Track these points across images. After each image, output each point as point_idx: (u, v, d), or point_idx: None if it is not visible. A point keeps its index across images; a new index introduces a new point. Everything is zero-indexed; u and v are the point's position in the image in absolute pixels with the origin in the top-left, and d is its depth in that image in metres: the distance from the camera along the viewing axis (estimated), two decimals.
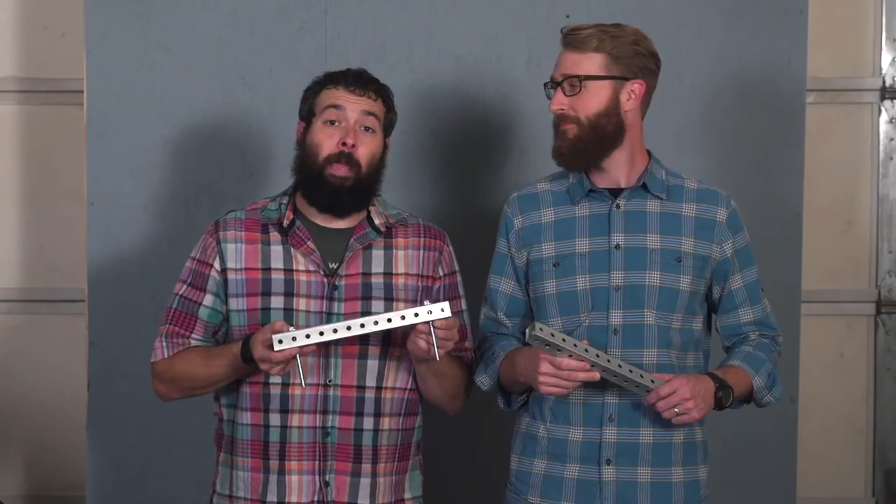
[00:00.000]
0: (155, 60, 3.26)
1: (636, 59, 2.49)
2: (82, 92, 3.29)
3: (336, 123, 2.52)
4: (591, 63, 2.46)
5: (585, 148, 2.47)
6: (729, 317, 2.57)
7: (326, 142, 2.51)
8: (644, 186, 2.51)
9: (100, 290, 3.25)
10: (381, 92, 2.57)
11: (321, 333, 2.34)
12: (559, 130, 2.48)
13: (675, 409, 2.35)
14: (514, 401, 2.57)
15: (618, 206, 2.50)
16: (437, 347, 2.36)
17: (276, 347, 2.33)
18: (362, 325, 2.36)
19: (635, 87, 2.50)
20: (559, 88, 2.47)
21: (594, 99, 2.47)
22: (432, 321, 2.35)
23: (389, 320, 2.36)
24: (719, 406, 2.43)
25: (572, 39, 2.47)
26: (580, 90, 2.45)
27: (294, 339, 2.33)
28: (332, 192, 2.51)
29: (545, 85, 2.52)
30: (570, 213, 2.52)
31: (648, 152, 2.57)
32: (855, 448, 3.88)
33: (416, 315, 2.35)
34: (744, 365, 2.51)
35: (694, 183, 2.57)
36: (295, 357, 2.34)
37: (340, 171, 2.50)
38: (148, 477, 3.26)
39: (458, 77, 3.27)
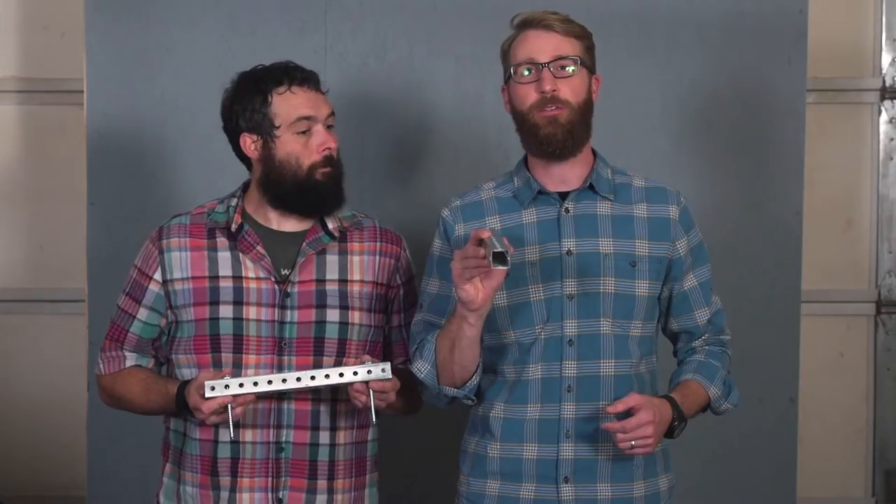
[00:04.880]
0: (155, 60, 3.26)
1: (593, 54, 2.45)
2: (82, 92, 3.29)
3: (307, 131, 2.47)
4: (575, 48, 2.39)
5: (576, 136, 2.38)
6: (683, 319, 2.49)
7: (304, 152, 2.46)
8: (591, 187, 2.43)
9: (100, 290, 3.25)
10: (320, 83, 2.52)
11: (255, 384, 2.31)
12: (546, 117, 2.36)
13: (632, 443, 2.28)
14: (464, 387, 2.39)
15: (566, 210, 2.42)
16: (374, 405, 2.34)
17: (208, 394, 2.30)
18: (298, 379, 2.34)
19: (596, 83, 2.45)
20: (546, 69, 2.37)
21: (582, 84, 2.40)
22: (370, 382, 2.33)
23: (327, 376, 2.34)
24: (668, 435, 2.38)
25: (553, 21, 2.38)
26: (574, 72, 2.38)
27: (227, 386, 2.30)
28: (322, 194, 2.47)
29: (511, 70, 2.39)
30: (517, 220, 2.43)
31: (593, 151, 2.48)
32: (855, 448, 3.88)
33: (356, 374, 2.33)
34: (697, 377, 2.45)
35: (641, 181, 2.49)
36: (227, 407, 2.30)
37: (326, 171, 2.47)
38: (148, 477, 3.25)
39: (458, 77, 3.27)
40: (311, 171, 2.46)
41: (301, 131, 2.47)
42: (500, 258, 2.15)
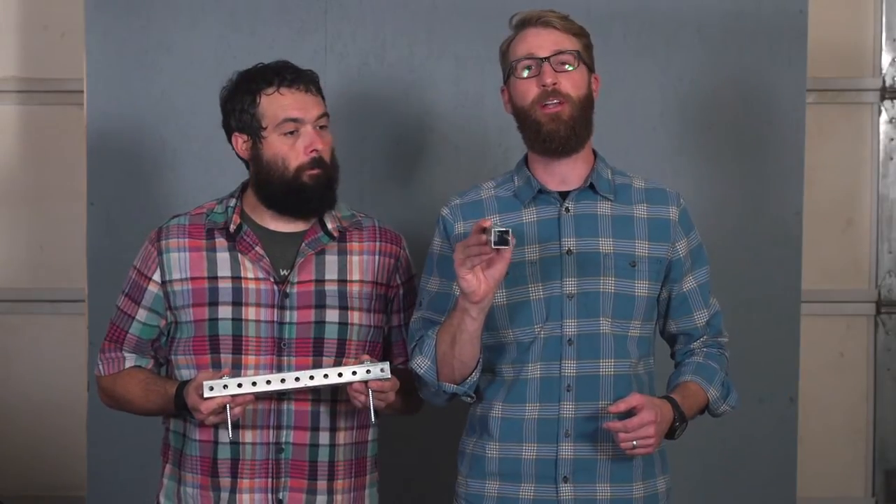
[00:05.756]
0: (155, 60, 3.26)
1: (591, 53, 2.45)
2: (82, 92, 3.29)
3: (294, 132, 2.45)
4: (574, 44, 2.40)
5: (578, 132, 2.38)
6: (682, 321, 2.49)
7: (291, 153, 2.44)
8: (592, 187, 2.43)
9: (100, 290, 3.25)
10: (316, 84, 2.51)
11: (254, 384, 2.32)
12: (548, 113, 2.36)
13: (634, 443, 2.28)
14: (464, 383, 2.38)
15: (567, 210, 2.41)
16: (373, 405, 2.34)
17: (206, 395, 2.29)
18: (297, 379, 2.34)
19: (595, 82, 2.45)
20: (546, 63, 2.37)
21: (582, 79, 2.40)
22: (369, 382, 2.33)
23: (326, 376, 2.34)
24: (669, 436, 2.38)
25: (553, 19, 2.39)
26: (575, 67, 2.38)
27: (225, 386, 2.30)
28: (309, 197, 2.45)
29: (510, 67, 2.40)
30: (517, 219, 2.42)
31: (594, 151, 2.48)
32: (855, 448, 3.88)
33: (355, 373, 2.33)
34: (696, 378, 2.45)
35: (641, 181, 2.49)
36: (226, 407, 2.31)
37: (314, 173, 2.45)
38: (148, 477, 3.25)
39: (458, 77, 3.27)
40: (297, 173, 2.45)
41: (288, 132, 2.45)
42: (501, 238, 2.16)
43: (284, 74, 2.47)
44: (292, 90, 2.46)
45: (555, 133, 2.37)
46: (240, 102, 2.48)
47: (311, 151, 2.45)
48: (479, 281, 2.24)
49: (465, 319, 2.30)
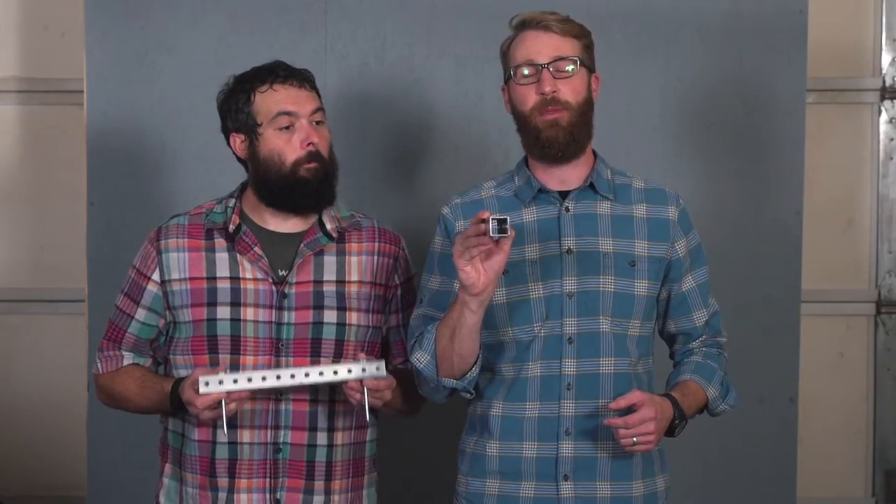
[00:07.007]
0: (155, 60, 3.26)
1: (592, 52, 2.45)
2: (82, 92, 3.29)
3: (290, 127, 2.45)
4: (574, 48, 2.40)
5: (578, 138, 2.38)
6: (682, 321, 2.50)
7: (287, 148, 2.44)
8: (592, 187, 2.43)
9: (100, 290, 3.25)
10: (310, 81, 2.51)
11: (249, 380, 2.32)
12: (547, 120, 2.37)
13: (634, 440, 2.29)
14: (464, 378, 2.38)
15: (567, 209, 2.42)
16: (369, 404, 2.34)
17: (202, 390, 2.30)
18: (293, 376, 2.34)
19: (595, 82, 2.45)
20: (545, 70, 2.37)
21: (582, 83, 2.40)
22: (364, 380, 2.33)
23: (321, 374, 2.34)
24: (669, 433, 2.38)
25: (551, 22, 2.39)
26: (574, 72, 2.38)
27: (221, 382, 2.31)
28: (307, 191, 2.45)
29: (510, 71, 2.41)
30: (517, 218, 2.41)
31: (593, 151, 2.49)
32: (855, 448, 3.88)
33: (350, 371, 2.33)
34: (695, 377, 2.45)
35: (640, 182, 2.50)
36: (220, 403, 2.31)
37: (312, 167, 2.44)
38: (148, 477, 3.25)
39: (458, 77, 3.27)
40: (295, 168, 2.44)
41: (283, 127, 2.45)
42: (500, 226, 2.17)
43: (277, 72, 2.48)
44: (286, 86, 2.47)
45: (553, 140, 2.38)
46: (235, 102, 2.49)
47: (308, 145, 2.45)
48: (478, 273, 2.24)
49: (465, 313, 2.30)
